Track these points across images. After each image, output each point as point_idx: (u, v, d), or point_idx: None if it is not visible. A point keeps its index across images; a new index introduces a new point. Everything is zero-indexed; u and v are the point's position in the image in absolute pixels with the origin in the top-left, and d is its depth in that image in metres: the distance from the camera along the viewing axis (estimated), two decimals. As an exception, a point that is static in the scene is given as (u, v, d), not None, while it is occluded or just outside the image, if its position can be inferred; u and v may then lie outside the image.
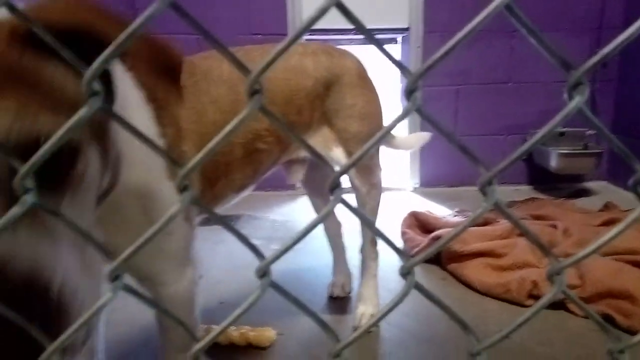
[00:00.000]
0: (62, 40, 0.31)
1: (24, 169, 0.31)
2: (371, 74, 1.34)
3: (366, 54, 1.58)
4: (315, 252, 1.89)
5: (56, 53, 0.30)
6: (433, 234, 1.93)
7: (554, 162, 2.73)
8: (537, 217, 2.20)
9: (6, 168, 0.42)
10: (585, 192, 2.91)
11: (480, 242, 1.80)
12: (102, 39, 0.38)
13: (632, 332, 1.31)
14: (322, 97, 1.20)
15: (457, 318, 0.35)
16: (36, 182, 0.45)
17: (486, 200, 0.29)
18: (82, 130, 0.50)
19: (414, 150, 1.97)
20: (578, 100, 0.27)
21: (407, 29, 2.94)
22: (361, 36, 0.31)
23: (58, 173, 0.47)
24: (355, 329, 1.38)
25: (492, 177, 0.28)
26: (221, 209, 1.09)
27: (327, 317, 1.48)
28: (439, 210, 2.50)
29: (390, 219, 2.26)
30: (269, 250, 1.96)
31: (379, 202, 1.37)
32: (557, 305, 1.45)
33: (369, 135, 1.26)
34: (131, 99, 0.76)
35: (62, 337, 0.33)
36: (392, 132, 1.55)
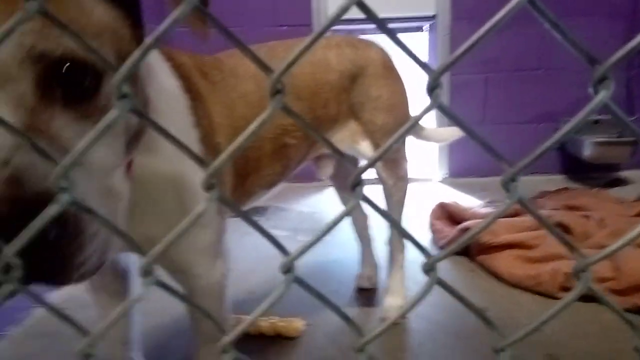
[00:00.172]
0: None
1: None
2: (397, 64, 1.32)
3: (392, 44, 1.56)
4: (342, 244, 1.90)
5: None
6: (461, 226, 1.91)
7: (587, 151, 2.65)
8: (571, 208, 2.14)
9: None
10: (620, 182, 2.81)
11: (510, 234, 1.77)
12: None
13: (669, 326, 1.27)
14: (347, 90, 1.20)
15: (481, 314, 0.35)
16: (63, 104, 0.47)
17: (509, 196, 0.29)
18: (108, 55, 0.51)
19: (446, 144, 1.94)
20: (603, 95, 0.26)
21: (433, 17, 2.88)
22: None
23: (83, 95, 0.48)
24: (382, 320, 1.39)
25: (514, 174, 0.28)
26: (249, 205, 1.10)
27: (354, 309, 1.48)
28: (469, 201, 2.46)
29: (419, 210, 2.24)
30: (295, 242, 1.97)
31: (405, 193, 1.37)
32: (591, 297, 1.41)
33: (396, 127, 1.25)
34: (169, 87, 0.78)
35: (98, 330, 0.34)
36: (420, 123, 1.53)
